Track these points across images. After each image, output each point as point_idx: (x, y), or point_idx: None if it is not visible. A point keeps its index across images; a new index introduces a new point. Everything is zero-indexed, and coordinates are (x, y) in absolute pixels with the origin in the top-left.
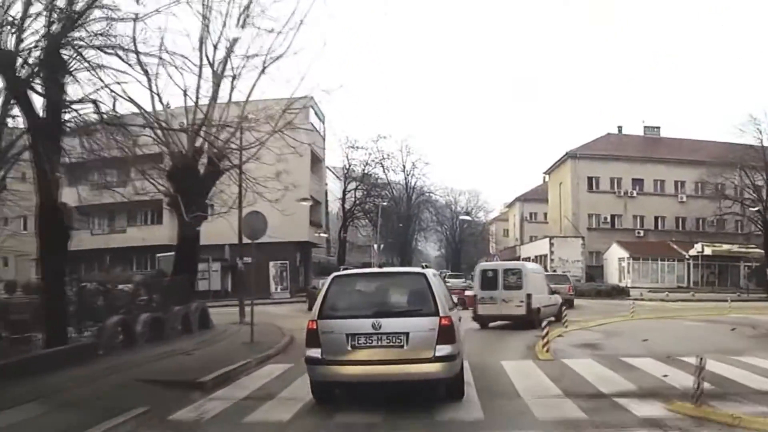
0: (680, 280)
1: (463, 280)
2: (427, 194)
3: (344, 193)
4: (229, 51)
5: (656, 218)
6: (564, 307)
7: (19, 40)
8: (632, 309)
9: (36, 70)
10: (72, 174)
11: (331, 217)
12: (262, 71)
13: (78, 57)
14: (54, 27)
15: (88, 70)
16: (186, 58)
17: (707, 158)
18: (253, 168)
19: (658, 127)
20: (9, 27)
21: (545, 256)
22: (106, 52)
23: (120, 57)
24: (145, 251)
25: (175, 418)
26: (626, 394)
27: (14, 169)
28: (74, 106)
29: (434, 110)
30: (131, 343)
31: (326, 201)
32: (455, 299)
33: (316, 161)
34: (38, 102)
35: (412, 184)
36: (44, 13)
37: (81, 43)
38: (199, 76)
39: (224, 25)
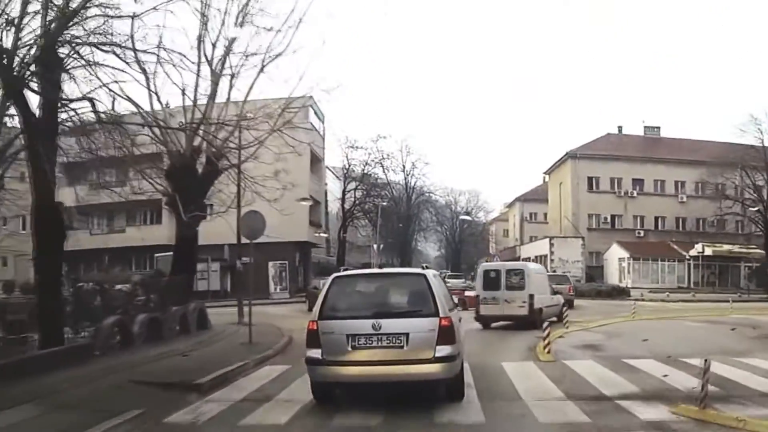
0: (680, 280)
1: (463, 280)
2: (427, 194)
3: (344, 193)
4: (228, 49)
5: (656, 218)
6: (565, 308)
7: (17, 39)
8: (633, 309)
9: (32, 67)
10: (70, 174)
11: (330, 217)
12: (261, 70)
13: (74, 54)
14: (50, 24)
15: (85, 67)
16: (184, 56)
17: (707, 158)
18: (251, 167)
19: (658, 127)
20: (7, 26)
21: (545, 256)
22: (102, 50)
23: (117, 55)
24: (144, 251)
25: (170, 421)
26: (629, 397)
27: (12, 169)
28: (71, 105)
29: (434, 110)
30: (128, 344)
31: (326, 201)
32: (455, 300)
33: (316, 161)
34: (35, 101)
35: (412, 184)
36: (41, 10)
37: (77, 40)
38: (198, 75)
39: (223, 23)
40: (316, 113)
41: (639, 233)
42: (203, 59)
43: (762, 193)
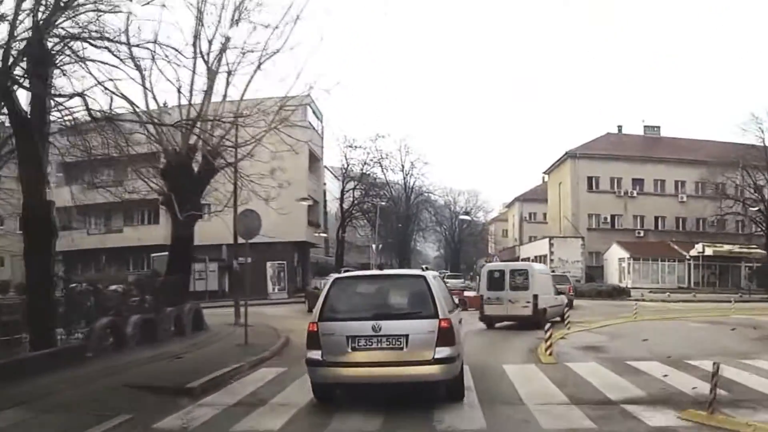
0: (681, 280)
1: (462, 280)
2: (426, 194)
3: (342, 192)
4: (224, 46)
5: (656, 218)
6: (566, 309)
7: (12, 36)
8: (635, 310)
9: (20, 62)
10: (67, 173)
11: (329, 217)
12: (258, 67)
13: (65, 48)
14: (39, 16)
15: (78, 63)
16: (179, 51)
17: (708, 158)
18: (248, 166)
19: (658, 127)
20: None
21: (545, 256)
22: (94, 45)
23: (110, 51)
24: (141, 251)
25: (160, 427)
26: (635, 401)
27: (7, 167)
28: (62, 102)
29: (433, 110)
30: (121, 346)
31: (324, 201)
32: (456, 300)
33: (314, 160)
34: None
35: (411, 183)
36: (33, 6)
37: (66, 32)
38: (193, 72)
39: (219, 19)
40: (314, 112)
41: (639, 233)
42: (199, 56)
43: (763, 192)
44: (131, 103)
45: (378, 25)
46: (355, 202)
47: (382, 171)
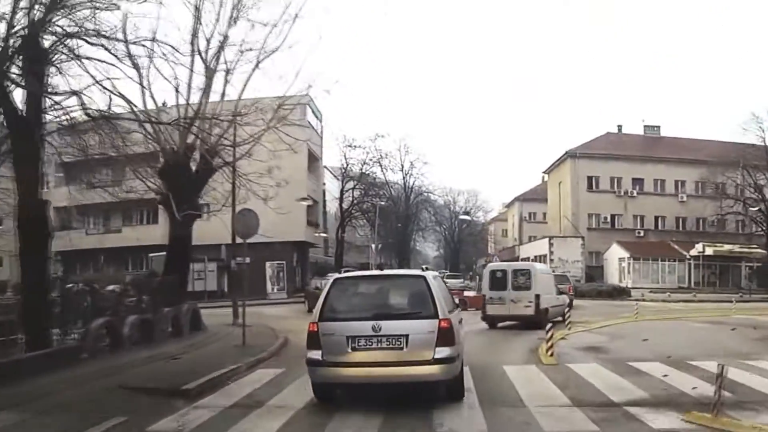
0: (681, 280)
1: (461, 280)
2: (426, 194)
3: (342, 192)
4: (223, 44)
5: (656, 218)
6: (567, 309)
7: (9, 35)
8: (636, 310)
9: (16, 60)
10: (67, 173)
11: (328, 217)
12: (257, 66)
13: (61, 46)
14: (34, 14)
15: (74, 60)
16: (176, 49)
17: (708, 157)
18: (246, 166)
19: (658, 127)
20: None
21: (545, 256)
22: (89, 42)
23: (106, 48)
24: (140, 251)
25: (154, 429)
26: (638, 403)
27: (5, 167)
28: (57, 100)
29: (433, 109)
30: (117, 346)
31: (324, 200)
32: (456, 300)
33: (313, 160)
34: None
35: (411, 183)
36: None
37: (62, 30)
38: (191, 70)
39: (218, 17)
40: (313, 112)
41: (639, 233)
42: (197, 54)
43: (763, 192)
44: (129, 102)
45: (378, 25)
46: (355, 201)
47: (382, 171)
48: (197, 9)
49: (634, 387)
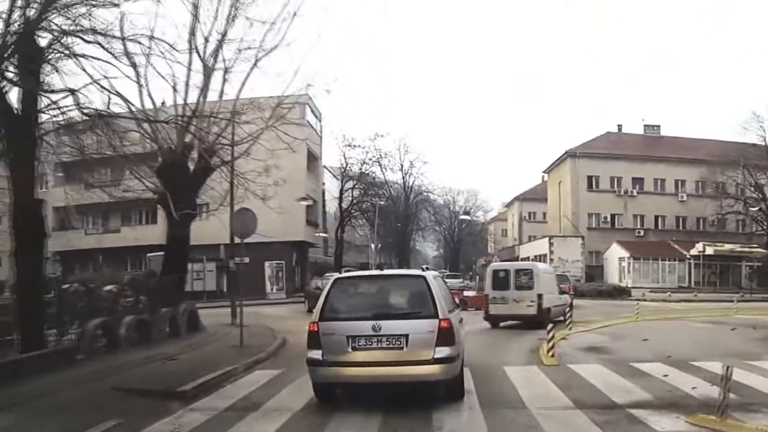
0: (681, 280)
1: (461, 280)
2: (426, 194)
3: (341, 192)
4: (221, 42)
5: (656, 217)
6: (567, 309)
7: (6, 33)
8: (637, 310)
9: (11, 58)
10: (66, 173)
11: (328, 217)
12: (255, 64)
13: (56, 43)
14: (29, 11)
15: (70, 57)
16: (174, 47)
17: (708, 157)
18: (244, 165)
19: (658, 126)
20: None
21: (545, 255)
22: (84, 39)
23: (102, 45)
24: (139, 251)
25: None
26: (642, 405)
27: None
28: (54, 98)
29: (432, 109)
30: (114, 347)
31: (323, 200)
32: (456, 300)
33: (313, 159)
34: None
35: (410, 183)
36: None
37: (57, 27)
38: (189, 69)
39: (216, 15)
40: (313, 111)
41: (639, 232)
42: (195, 53)
43: (764, 191)
44: (126, 100)
45: (377, 24)
46: (354, 201)
47: (381, 170)
48: (195, 7)
49: (636, 388)
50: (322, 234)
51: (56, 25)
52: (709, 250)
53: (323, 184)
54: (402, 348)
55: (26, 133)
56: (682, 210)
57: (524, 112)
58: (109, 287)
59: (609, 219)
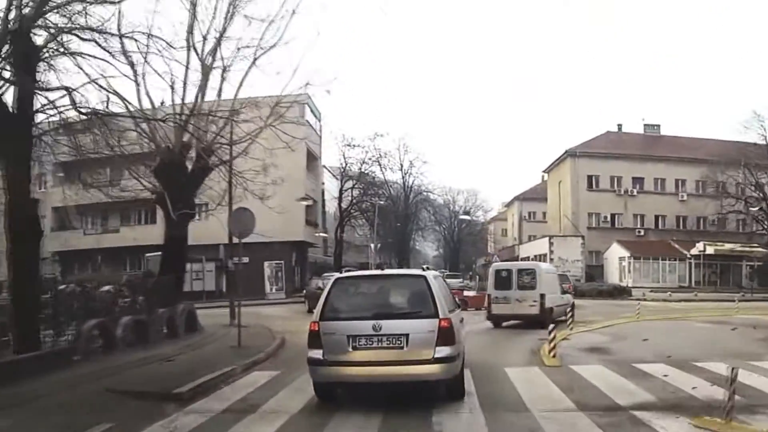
0: (682, 279)
1: (461, 280)
2: (425, 193)
3: (341, 191)
4: (219, 40)
5: (657, 217)
6: (569, 309)
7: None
8: (638, 310)
9: (6, 56)
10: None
11: (327, 217)
12: (253, 62)
13: (52, 41)
14: (24, 9)
15: (65, 55)
16: (171, 45)
17: (708, 156)
18: (243, 164)
19: (658, 125)
20: None
21: (545, 255)
22: (81, 37)
23: (98, 43)
24: (138, 251)
25: None
26: (646, 407)
27: None
28: (48, 97)
29: (432, 109)
30: (111, 348)
31: (323, 200)
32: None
33: (312, 159)
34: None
35: (410, 183)
36: None
37: (53, 24)
38: (187, 67)
39: (214, 13)
40: (312, 111)
41: (639, 232)
42: (193, 51)
43: (765, 190)
44: (124, 99)
45: (377, 24)
46: (354, 201)
47: (381, 170)
48: (193, 5)
49: (640, 390)
50: (321, 234)
51: (52, 23)
52: (710, 250)
53: (323, 183)
54: (402, 347)
55: (22, 132)
56: (683, 209)
57: (524, 112)
58: (107, 287)
59: (609, 219)
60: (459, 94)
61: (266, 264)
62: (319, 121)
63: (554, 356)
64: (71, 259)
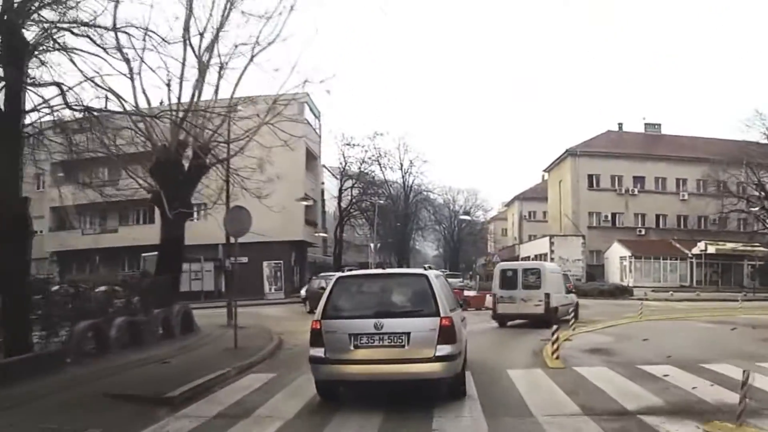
0: (683, 279)
1: (461, 279)
2: (425, 193)
3: (340, 191)
4: (216, 37)
5: (657, 216)
6: (571, 310)
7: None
8: (640, 310)
9: None
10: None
11: (327, 216)
12: (251, 59)
13: (44, 36)
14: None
15: (57, 50)
16: (167, 41)
17: (709, 155)
18: (240, 163)
19: (659, 125)
20: None
21: (545, 255)
22: (74, 33)
23: (92, 39)
24: (136, 251)
25: None
26: (653, 411)
27: None
28: (39, 93)
29: (432, 108)
30: (104, 350)
31: (322, 199)
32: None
33: (312, 158)
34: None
35: (410, 182)
36: None
37: (44, 19)
38: (183, 64)
39: (211, 9)
40: (311, 110)
41: (640, 231)
42: (189, 48)
43: (767, 189)
44: (119, 97)
45: (376, 23)
46: (354, 200)
47: (381, 169)
48: (189, 1)
49: (646, 392)
50: (321, 233)
51: (44, 18)
52: (711, 249)
53: (322, 183)
54: (403, 346)
55: (9, 129)
56: (684, 209)
57: (524, 112)
58: (103, 288)
59: (610, 218)
60: (459, 93)
61: (265, 264)
62: (319, 120)
63: (557, 358)
64: (69, 259)
